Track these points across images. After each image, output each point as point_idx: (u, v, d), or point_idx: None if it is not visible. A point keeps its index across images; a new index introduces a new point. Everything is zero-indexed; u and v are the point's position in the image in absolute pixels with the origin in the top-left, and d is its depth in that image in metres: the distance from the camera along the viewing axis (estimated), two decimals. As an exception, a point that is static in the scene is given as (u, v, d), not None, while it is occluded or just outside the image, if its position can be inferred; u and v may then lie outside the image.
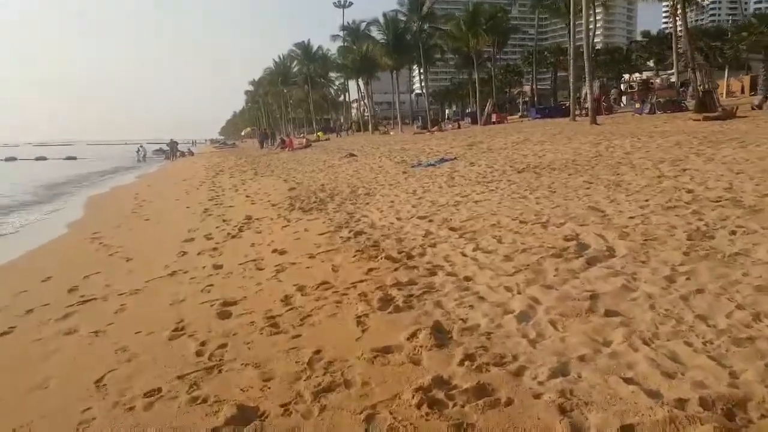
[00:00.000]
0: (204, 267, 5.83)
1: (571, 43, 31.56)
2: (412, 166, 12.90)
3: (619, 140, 12.74)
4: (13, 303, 5.21)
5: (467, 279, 4.23)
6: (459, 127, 42.66)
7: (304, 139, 36.32)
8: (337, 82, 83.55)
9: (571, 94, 31.11)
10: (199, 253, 6.63)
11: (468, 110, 70.11)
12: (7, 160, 51.64)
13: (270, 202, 10.40)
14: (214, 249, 6.77)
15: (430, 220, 6.53)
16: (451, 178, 9.89)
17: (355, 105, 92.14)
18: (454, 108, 78.89)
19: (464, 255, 4.89)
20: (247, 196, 11.97)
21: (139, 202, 13.50)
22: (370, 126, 56.01)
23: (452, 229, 5.93)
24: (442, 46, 60.54)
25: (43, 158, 53.19)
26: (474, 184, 8.96)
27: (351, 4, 68.35)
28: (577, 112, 39.25)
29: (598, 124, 22.76)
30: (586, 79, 25.64)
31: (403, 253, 5.23)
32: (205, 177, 19.27)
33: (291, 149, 31.52)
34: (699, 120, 18.82)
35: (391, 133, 47.00)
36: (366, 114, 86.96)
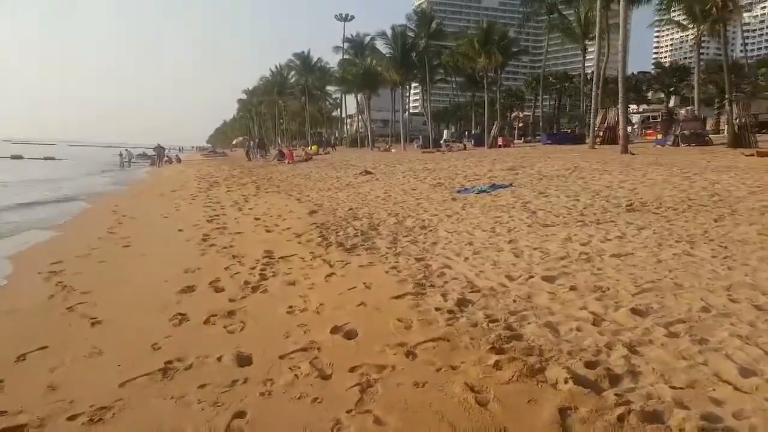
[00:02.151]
0: (220, 359, 3.42)
1: (597, 67, 29.91)
2: (458, 192, 10.63)
3: (698, 174, 10.67)
4: None
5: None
6: (465, 149, 40.73)
7: (304, 152, 33.99)
8: (333, 96, 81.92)
9: (592, 121, 29.40)
10: (206, 321, 4.22)
11: (468, 132, 68.61)
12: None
13: (291, 230, 7.99)
14: (230, 314, 4.36)
15: (573, 288, 4.20)
16: (532, 213, 7.60)
17: (350, 120, 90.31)
18: (452, 129, 77.41)
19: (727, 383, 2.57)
20: (256, 219, 9.55)
21: (118, 218, 10.98)
22: (369, 142, 53.91)
23: (636, 312, 3.61)
24: (445, 65, 59.22)
25: (19, 156, 49.96)
26: (576, 223, 6.69)
27: (353, 18, 67.00)
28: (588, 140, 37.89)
29: (632, 154, 20.84)
30: (620, 105, 23.77)
31: (596, 367, 2.89)
32: (198, 189, 16.77)
33: (291, 162, 29.13)
34: (752, 155, 16.97)
35: (393, 150, 44.93)
36: (361, 130, 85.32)
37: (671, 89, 44.46)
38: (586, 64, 45.12)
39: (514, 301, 4.03)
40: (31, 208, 13.81)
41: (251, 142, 47.75)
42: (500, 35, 40.74)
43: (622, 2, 22.49)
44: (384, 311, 4.05)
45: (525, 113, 70.05)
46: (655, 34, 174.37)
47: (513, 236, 6.21)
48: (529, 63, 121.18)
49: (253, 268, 5.81)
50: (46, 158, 49.67)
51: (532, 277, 4.60)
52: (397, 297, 4.33)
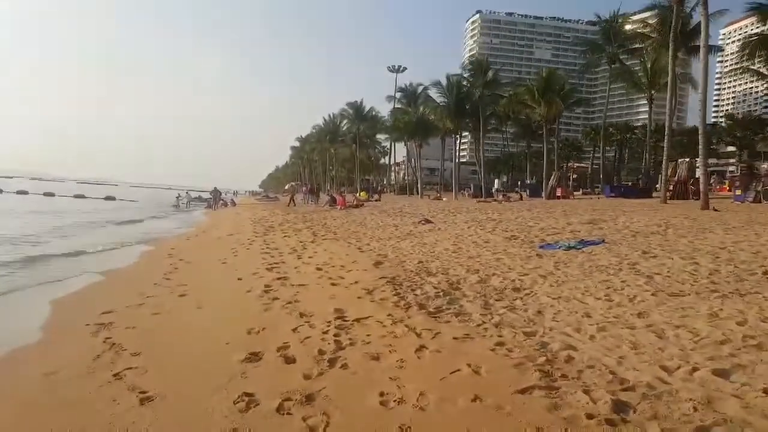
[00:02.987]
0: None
1: (668, 118, 28.51)
2: (540, 247, 9.55)
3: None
4: None
5: None
6: (521, 198, 39.41)
7: (354, 198, 33.67)
8: (381, 144, 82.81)
9: (664, 173, 27.71)
10: (279, 408, 3.35)
11: (521, 182, 67.17)
12: (46, 195, 50.89)
13: (359, 284, 7.13)
14: (308, 400, 3.46)
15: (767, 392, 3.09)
16: (648, 278, 6.43)
17: (397, 167, 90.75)
18: (504, 179, 76.15)
19: None
20: (318, 269, 8.76)
21: (173, 262, 10.49)
22: (419, 190, 53.41)
23: None
24: (499, 115, 58.74)
25: (81, 196, 52.24)
26: (711, 294, 5.50)
27: (404, 69, 68.23)
28: (656, 194, 35.83)
29: (715, 210, 19.12)
30: (700, 158, 22.20)
31: None
32: (254, 233, 16.33)
33: (343, 208, 28.72)
34: None
35: (444, 199, 44.08)
36: (408, 177, 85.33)
37: (744, 142, 42.04)
38: (645, 115, 43.59)
39: (695, 409, 2.94)
40: (84, 251, 13.64)
41: (301, 186, 48.12)
42: (560, 84, 39.95)
43: (702, 50, 21.29)
44: (513, 413, 3.05)
45: (578, 164, 68.21)
46: (716, 86, 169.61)
47: (640, 308, 5.10)
48: (583, 114, 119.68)
49: (326, 333, 4.94)
50: (107, 198, 51.69)
51: (696, 369, 3.50)
52: (522, 391, 3.33)
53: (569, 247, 9.07)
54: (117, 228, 21.25)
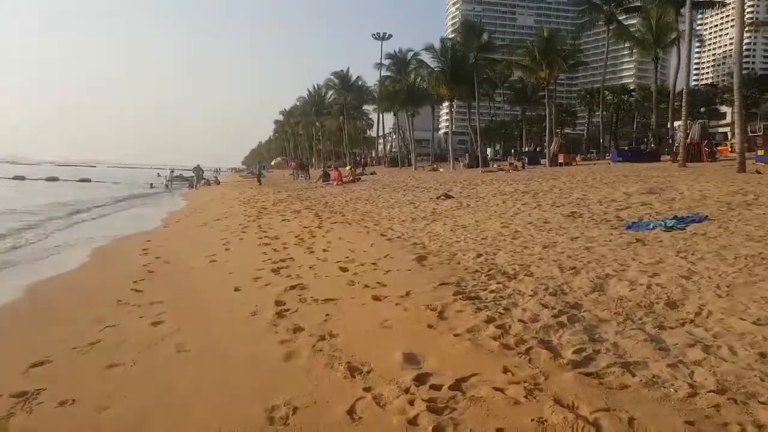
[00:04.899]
0: None
1: (687, 76, 26.30)
2: (628, 228, 7.38)
3: None
4: None
5: None
6: (524, 167, 37.30)
7: (349, 172, 31.24)
8: (370, 116, 79.71)
9: (683, 135, 25.65)
10: None
11: (515, 150, 64.97)
12: (15, 178, 47.55)
13: (414, 296, 4.90)
14: None
15: None
16: None
17: (389, 139, 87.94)
18: (497, 147, 73.92)
19: None
20: (342, 269, 6.50)
21: (148, 262, 8.16)
22: (413, 162, 50.94)
23: None
24: (493, 80, 56.07)
25: (55, 179, 48.96)
26: None
27: (390, 36, 65.03)
28: (668, 157, 33.96)
29: (759, 173, 17.16)
30: (736, 115, 20.13)
31: None
32: (246, 217, 13.97)
33: (340, 183, 26.32)
34: None
35: (441, 170, 41.80)
36: (395, 149, 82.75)
37: (749, 101, 40.16)
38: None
39: None
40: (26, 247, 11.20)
41: (289, 161, 45.39)
42: (562, 44, 37.42)
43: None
44: None
45: (567, 130, 65.93)
46: (696, 49, 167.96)
47: None
48: (566, 79, 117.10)
49: (408, 409, 2.73)
50: (81, 180, 48.48)
51: None
52: None
53: (669, 227, 6.92)
54: (84, 215, 18.67)
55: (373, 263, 6.68)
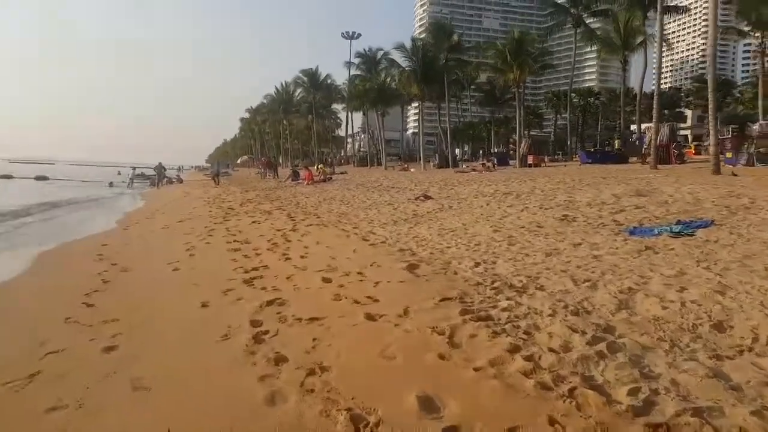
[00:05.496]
0: None
1: (658, 77, 26.49)
2: (631, 233, 6.91)
3: None
4: None
5: None
6: (494, 168, 37.17)
7: (321, 172, 30.35)
8: (339, 115, 78.69)
9: (655, 137, 25.83)
10: None
11: (483, 151, 65.15)
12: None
13: (413, 315, 4.24)
14: None
15: None
16: None
17: (357, 139, 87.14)
18: (465, 148, 74.10)
19: None
20: (325, 279, 5.77)
21: (103, 270, 7.23)
22: (383, 161, 50.35)
23: None
24: (460, 81, 55.98)
25: (9, 176, 46.24)
26: None
27: (359, 36, 64.29)
28: (634, 159, 34.35)
29: (735, 175, 17.21)
30: (710, 118, 20.18)
31: None
32: (211, 218, 13.04)
33: (311, 183, 25.44)
34: None
35: (412, 170, 41.32)
36: (363, 149, 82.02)
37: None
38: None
39: None
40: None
41: (254, 160, 44.07)
42: (532, 45, 37.46)
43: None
44: None
45: (533, 132, 66.59)
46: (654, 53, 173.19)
47: None
48: (530, 81, 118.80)
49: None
50: (37, 178, 45.88)
51: None
52: None
53: (676, 233, 6.47)
54: (34, 216, 17.28)
55: (360, 273, 5.99)
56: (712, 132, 19.64)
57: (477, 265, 5.93)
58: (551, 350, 3.37)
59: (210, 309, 5.09)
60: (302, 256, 7.32)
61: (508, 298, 4.56)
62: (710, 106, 19.88)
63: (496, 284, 5.04)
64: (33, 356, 4.05)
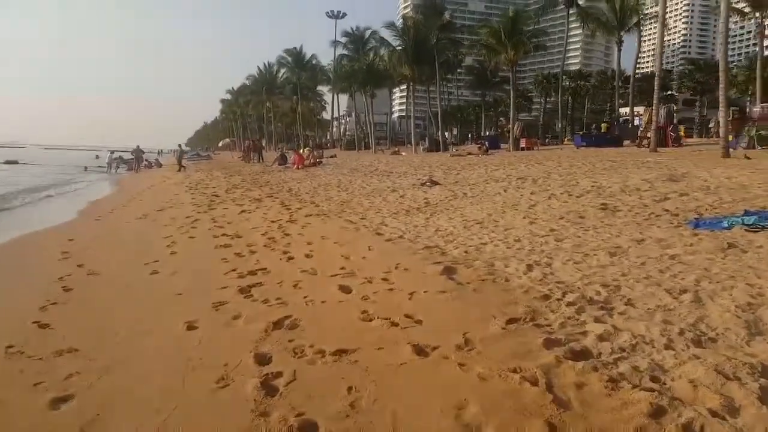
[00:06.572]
0: None
1: (659, 58, 25.52)
2: (696, 226, 5.86)
3: None
4: None
5: None
6: (487, 152, 36.13)
7: (311, 155, 28.95)
8: (324, 97, 76.73)
9: (655, 119, 24.97)
10: None
11: (473, 134, 64.08)
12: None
13: (478, 349, 3.12)
14: None
15: None
16: None
17: (342, 122, 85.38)
18: (454, 131, 72.90)
19: None
20: (343, 289, 4.63)
21: (67, 274, 5.94)
22: (371, 145, 48.98)
23: None
24: (450, 62, 54.64)
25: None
26: None
27: (345, 15, 62.28)
28: (627, 142, 33.60)
29: (748, 158, 16.37)
30: (720, 98, 19.27)
31: None
32: (194, 206, 11.76)
33: (301, 167, 24.10)
34: None
35: (403, 153, 40.12)
36: (349, 132, 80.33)
37: (705, 87, 40.59)
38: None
39: None
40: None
41: (240, 143, 42.39)
42: (527, 24, 36.19)
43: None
44: None
45: (522, 114, 65.64)
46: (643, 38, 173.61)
47: None
48: (525, 63, 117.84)
49: None
50: (6, 162, 43.65)
51: None
52: None
53: (751, 225, 5.44)
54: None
55: (384, 279, 4.85)
56: (722, 114, 18.75)
57: (530, 268, 4.81)
58: (714, 414, 2.27)
59: (198, 333, 3.90)
60: (307, 256, 6.14)
61: (596, 320, 3.45)
62: (721, 86, 18.95)
63: (568, 297, 3.93)
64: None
